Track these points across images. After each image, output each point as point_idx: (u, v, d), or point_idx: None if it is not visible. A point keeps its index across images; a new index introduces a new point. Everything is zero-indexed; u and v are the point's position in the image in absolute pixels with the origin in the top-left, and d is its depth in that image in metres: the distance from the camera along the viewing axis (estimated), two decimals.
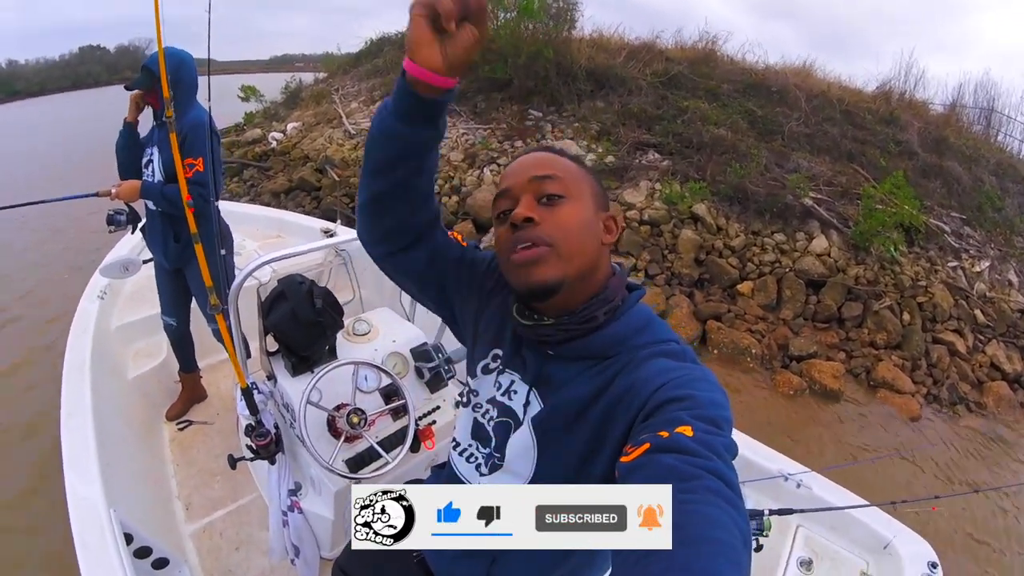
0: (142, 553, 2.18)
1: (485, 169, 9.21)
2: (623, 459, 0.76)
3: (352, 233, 2.96)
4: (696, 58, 11.81)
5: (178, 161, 2.28)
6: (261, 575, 2.58)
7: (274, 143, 11.83)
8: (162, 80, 2.29)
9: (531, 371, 1.07)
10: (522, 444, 1.06)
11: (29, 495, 3.63)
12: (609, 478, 0.84)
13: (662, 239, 7.73)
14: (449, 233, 1.25)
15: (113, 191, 2.84)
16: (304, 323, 2.14)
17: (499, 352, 1.15)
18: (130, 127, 2.91)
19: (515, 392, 1.10)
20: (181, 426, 3.40)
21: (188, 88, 2.75)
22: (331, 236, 3.93)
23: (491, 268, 1.22)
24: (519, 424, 1.08)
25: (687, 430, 0.74)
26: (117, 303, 3.73)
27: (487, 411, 1.16)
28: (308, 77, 16.72)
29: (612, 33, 12.83)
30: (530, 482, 1.06)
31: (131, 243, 3.93)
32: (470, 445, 1.21)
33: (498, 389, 1.13)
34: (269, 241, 4.41)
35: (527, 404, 1.07)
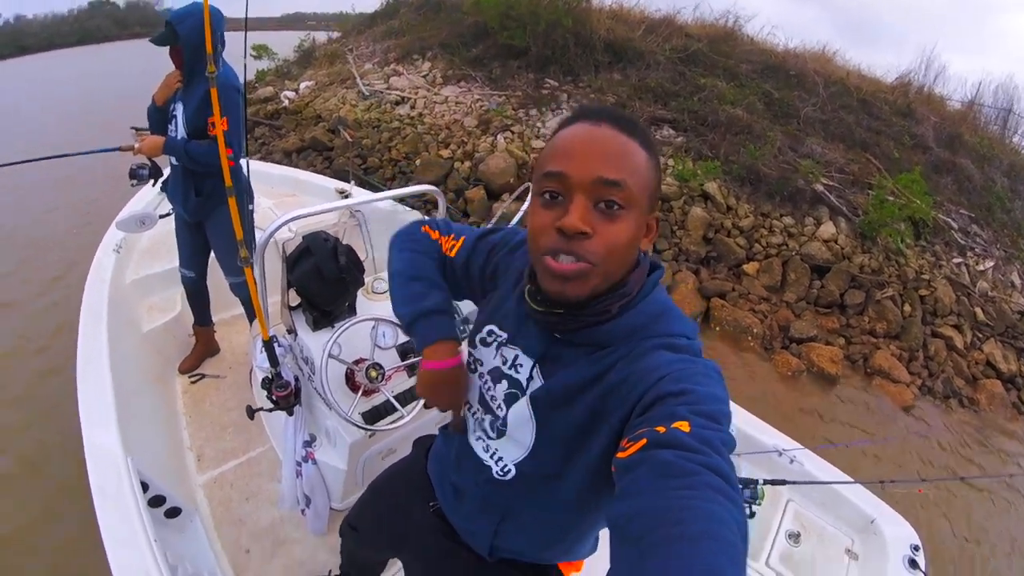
0: (156, 502, 2.26)
1: (499, 136, 9.16)
2: (620, 455, 0.77)
3: (366, 194, 2.97)
4: (716, 36, 11.74)
5: (217, 113, 2.28)
6: (271, 525, 2.64)
7: (286, 102, 11.73)
8: (207, 39, 2.31)
9: (536, 349, 1.07)
10: (521, 416, 1.08)
11: (40, 444, 3.73)
12: (607, 459, 0.85)
13: (672, 215, 7.75)
14: (442, 247, 1.31)
15: (136, 145, 2.84)
16: (328, 279, 2.19)
17: (501, 325, 1.16)
18: (156, 107, 2.92)
19: (520, 366, 1.10)
20: (194, 379, 3.46)
21: (213, 45, 2.68)
22: (346, 196, 3.94)
23: (493, 255, 1.26)
24: (521, 396, 1.08)
25: (684, 425, 0.74)
26: (132, 257, 3.76)
27: (487, 381, 1.18)
28: (321, 36, 16.48)
29: (633, 5, 12.73)
30: (530, 451, 1.08)
31: (147, 198, 3.96)
32: (478, 410, 1.22)
33: (504, 363, 1.13)
34: (285, 199, 4.43)
35: (530, 379, 1.08)
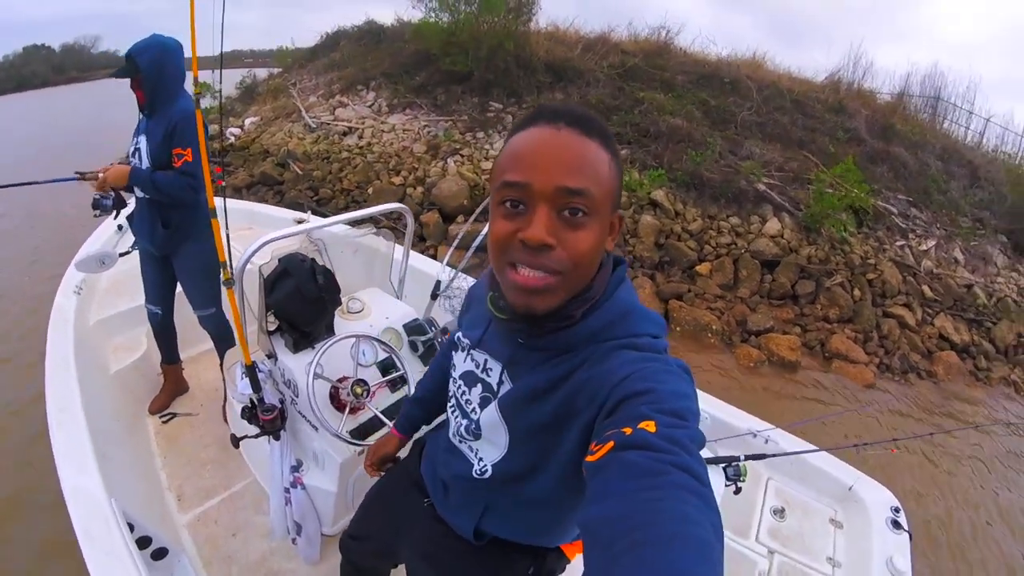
0: (142, 543, 2.19)
1: (449, 160, 9.26)
2: (588, 458, 0.75)
3: (333, 218, 2.95)
4: (651, 50, 12.09)
5: (202, 143, 2.26)
6: (261, 558, 2.57)
7: (231, 138, 11.66)
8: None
9: (504, 353, 1.09)
10: (492, 419, 1.09)
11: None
12: (579, 460, 0.82)
13: (623, 224, 7.79)
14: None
15: (100, 175, 2.79)
16: (309, 298, 2.19)
17: (463, 334, 1.21)
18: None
19: (491, 370, 1.13)
20: (165, 418, 3.37)
21: (174, 77, 2.72)
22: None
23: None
24: (492, 399, 1.11)
25: (650, 425, 0.74)
26: (94, 297, 3.68)
27: (460, 386, 1.21)
28: (261, 72, 16.49)
29: (568, 26, 13.05)
30: (506, 452, 1.10)
31: (104, 236, 3.87)
32: (457, 414, 1.24)
33: (477, 367, 1.16)
34: (241, 232, 4.37)
35: (500, 383, 1.10)
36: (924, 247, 8.41)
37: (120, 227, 3.89)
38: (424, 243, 7.63)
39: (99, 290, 3.78)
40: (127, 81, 2.73)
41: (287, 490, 2.27)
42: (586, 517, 0.68)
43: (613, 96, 10.36)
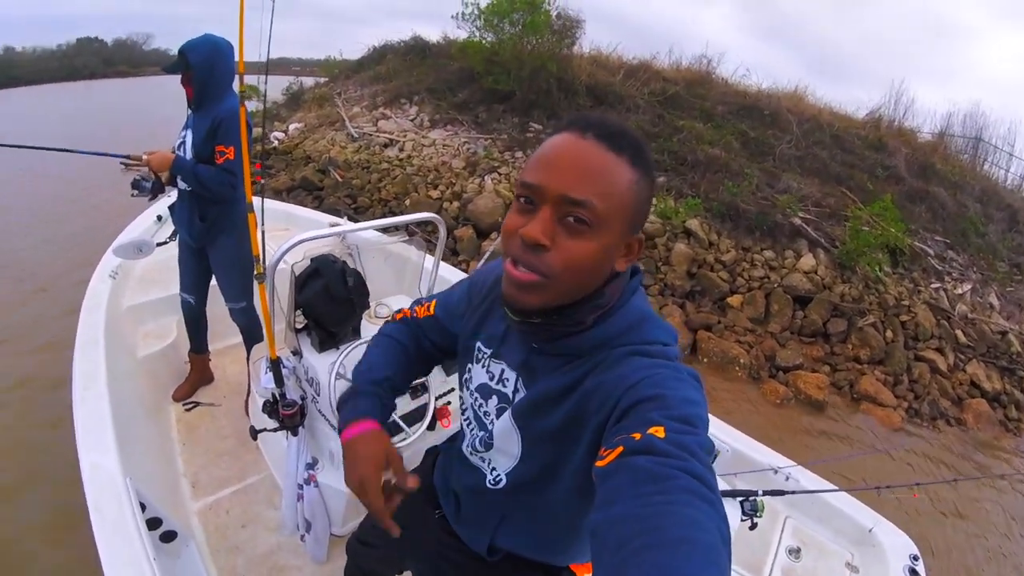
0: (152, 524, 2.22)
1: (486, 177, 9.35)
2: (598, 463, 0.76)
3: (367, 223, 2.95)
4: (692, 79, 12.10)
5: (244, 141, 2.33)
6: (269, 551, 2.59)
7: (275, 142, 11.88)
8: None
9: (517, 360, 1.09)
10: (505, 428, 1.09)
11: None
12: (591, 466, 0.82)
13: (656, 251, 7.90)
14: (417, 315, 1.38)
15: (144, 158, 2.86)
16: (337, 300, 2.23)
17: (487, 342, 1.18)
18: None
19: (507, 380, 1.12)
20: (188, 407, 3.43)
21: (222, 75, 2.78)
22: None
23: (472, 292, 1.28)
24: (507, 408, 1.10)
25: (659, 431, 0.74)
26: (128, 283, 3.76)
27: (477, 398, 1.20)
28: (308, 81, 16.79)
29: (611, 52, 13.12)
30: (519, 460, 1.10)
31: (144, 225, 3.96)
32: (473, 426, 1.24)
33: (491, 378, 1.15)
34: (277, 232, 4.44)
35: (515, 391, 1.09)
36: (960, 291, 8.24)
37: (159, 217, 3.98)
38: (457, 257, 7.70)
39: (134, 277, 3.86)
40: (178, 78, 2.81)
41: (300, 487, 2.30)
42: (595, 521, 0.69)
43: (653, 123, 10.37)
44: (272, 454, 2.93)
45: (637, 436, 0.74)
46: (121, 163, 3.05)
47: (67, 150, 3.18)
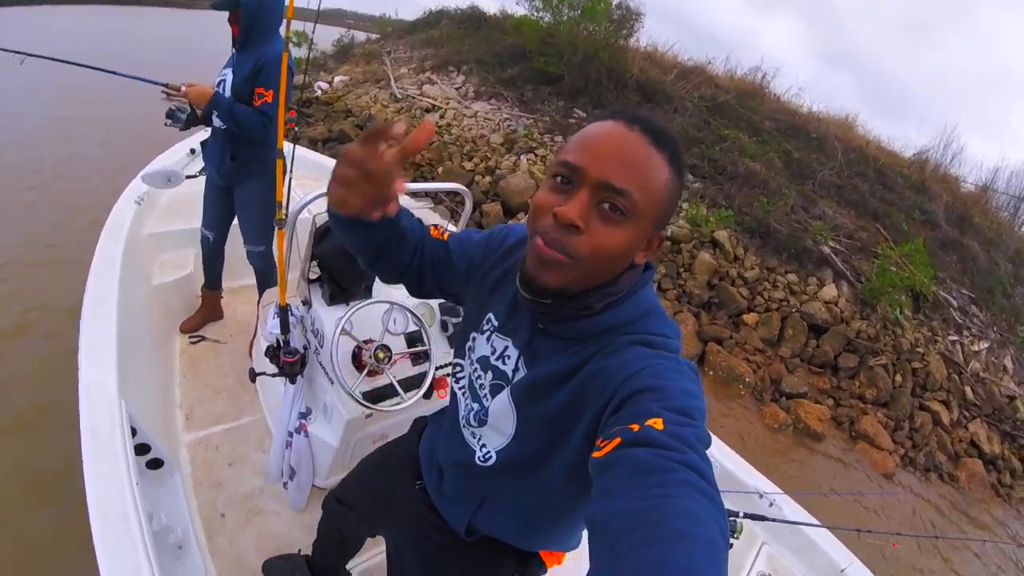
0: (141, 450, 2.26)
1: (523, 157, 9.30)
2: (595, 454, 0.75)
3: None
4: (744, 90, 11.97)
5: (283, 86, 2.32)
6: (250, 493, 2.62)
7: (319, 92, 11.92)
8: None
9: (522, 339, 1.09)
10: (503, 405, 1.09)
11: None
12: (584, 453, 0.83)
13: (680, 257, 7.87)
14: (431, 231, 1.27)
15: (184, 89, 2.85)
16: (350, 256, 2.20)
17: (496, 313, 1.17)
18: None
19: (508, 357, 1.12)
20: (194, 340, 3.46)
21: (270, 18, 2.76)
22: None
23: (488, 246, 1.26)
24: (504, 385, 1.11)
25: (658, 422, 0.73)
26: (152, 211, 3.79)
27: (476, 369, 1.19)
28: (359, 35, 16.80)
29: (667, 50, 13.00)
30: (511, 440, 1.10)
31: (176, 156, 3.99)
32: (468, 397, 1.22)
33: (492, 353, 1.15)
34: (307, 182, 4.46)
35: (516, 370, 1.09)
36: (976, 347, 8.10)
37: (192, 151, 4.01)
38: (482, 231, 7.63)
39: (159, 206, 3.89)
40: (225, 15, 2.80)
41: (291, 434, 2.33)
42: (592, 513, 0.68)
43: (698, 128, 10.28)
44: (269, 399, 2.95)
45: (635, 427, 0.74)
46: (162, 91, 3.02)
47: (107, 71, 3.16)
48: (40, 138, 8.40)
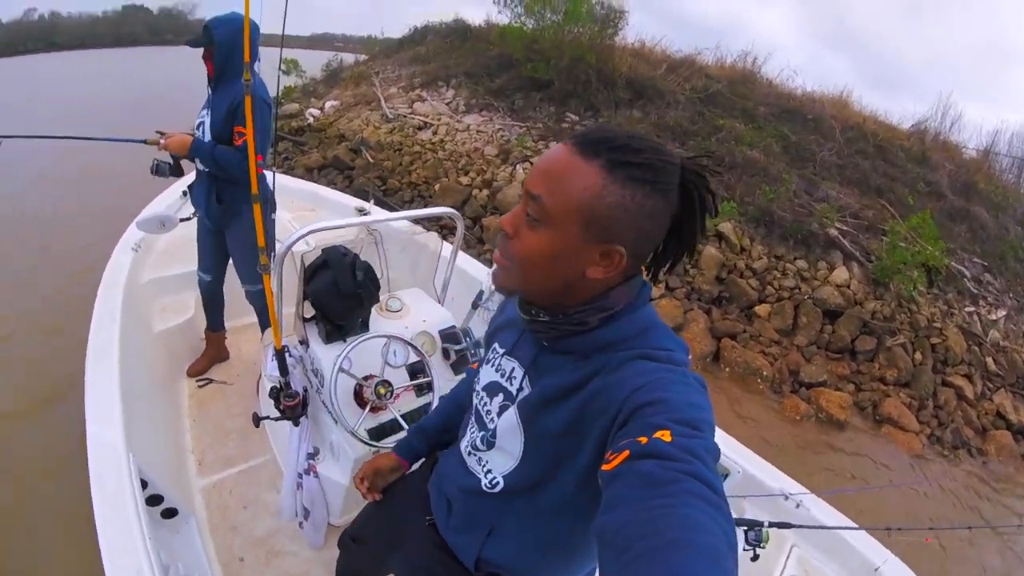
0: (153, 501, 2.25)
1: (518, 166, 9.26)
2: (604, 467, 0.76)
3: (385, 213, 3.00)
4: (736, 77, 11.92)
5: (249, 122, 2.29)
6: (267, 534, 2.63)
7: (311, 119, 11.95)
8: (246, 43, 2.47)
9: (527, 358, 1.11)
10: (509, 424, 1.10)
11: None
12: (592, 469, 0.87)
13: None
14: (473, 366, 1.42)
15: (162, 142, 2.88)
16: (344, 293, 2.22)
17: (501, 341, 1.21)
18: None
19: (515, 377, 1.13)
20: (201, 383, 3.47)
21: (240, 56, 2.68)
22: (364, 215, 3.96)
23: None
24: (511, 405, 1.11)
25: (666, 435, 0.74)
26: (149, 258, 3.79)
27: (483, 397, 1.21)
28: (348, 58, 16.89)
29: (654, 45, 12.96)
30: (519, 462, 1.11)
31: (168, 200, 3.97)
32: (473, 426, 1.26)
33: (501, 375, 1.17)
34: (304, 213, 4.48)
35: (521, 388, 1.11)
36: (994, 316, 7.99)
37: (184, 193, 4.03)
38: (483, 246, 7.66)
39: (156, 251, 3.90)
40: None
41: (300, 475, 2.31)
42: (600, 524, 0.69)
43: (692, 120, 10.22)
44: (277, 438, 2.94)
45: (643, 440, 0.75)
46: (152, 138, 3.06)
47: (83, 137, 3.23)
48: (33, 206, 8.43)
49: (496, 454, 1.16)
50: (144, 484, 2.10)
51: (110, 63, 31.39)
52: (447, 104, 11.44)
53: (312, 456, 2.30)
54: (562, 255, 0.93)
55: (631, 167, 0.88)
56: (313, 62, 16.35)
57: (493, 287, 1.11)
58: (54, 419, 3.78)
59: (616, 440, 0.81)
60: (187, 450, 3.03)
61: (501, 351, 1.20)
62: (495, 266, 1.02)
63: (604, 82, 10.73)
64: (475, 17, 14.96)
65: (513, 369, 1.14)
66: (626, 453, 0.74)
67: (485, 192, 8.80)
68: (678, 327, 6.65)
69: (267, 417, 2.23)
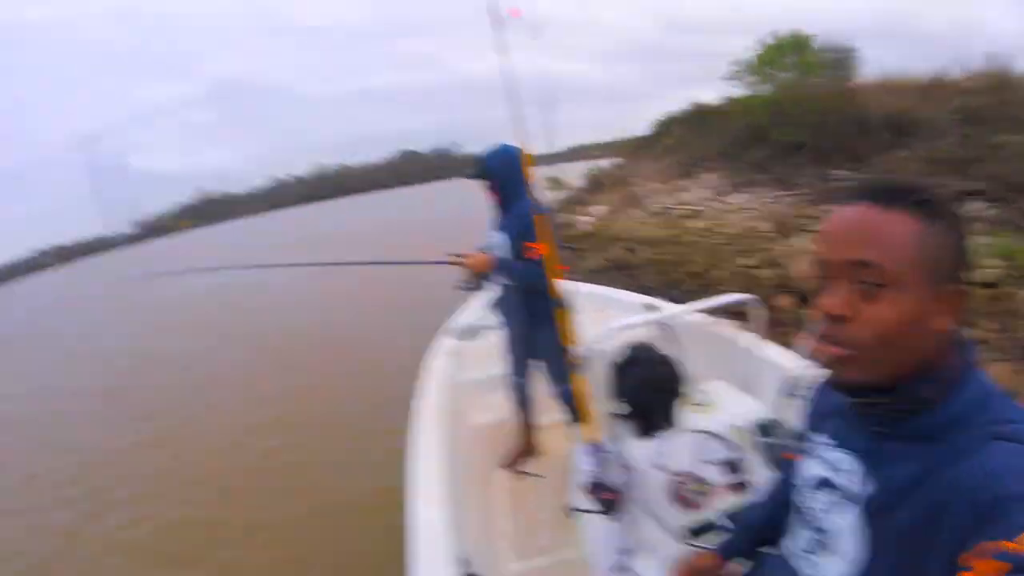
0: None
1: (797, 238, 8.69)
2: (966, 574, 0.68)
3: (675, 308, 3.06)
4: (992, 85, 9.95)
5: (541, 238, 2.67)
6: None
7: (586, 226, 12.71)
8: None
9: (858, 447, 0.99)
10: (844, 524, 0.98)
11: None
12: (947, 572, 0.74)
13: (1000, 302, 6.28)
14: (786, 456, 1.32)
15: (466, 261, 3.21)
16: (654, 389, 2.28)
17: (825, 432, 1.10)
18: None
19: (846, 471, 1.00)
20: (515, 475, 3.73)
21: (519, 177, 3.10)
22: (654, 310, 3.98)
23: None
24: (848, 503, 0.98)
25: None
26: (460, 363, 4.18)
27: (807, 495, 1.10)
28: (604, 163, 18.07)
29: (897, 73, 11.79)
30: (856, 565, 0.96)
31: (474, 311, 4.51)
32: (797, 528, 1.15)
33: (828, 469, 1.05)
34: (594, 314, 4.35)
35: (855, 484, 0.97)
36: None
37: (487, 306, 4.35)
38: (779, 329, 6.44)
39: (466, 356, 4.30)
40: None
41: (612, 571, 2.30)
42: None
43: (959, 145, 8.71)
44: (590, 532, 2.91)
45: (1012, 546, 0.65)
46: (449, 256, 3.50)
47: (393, 262, 3.73)
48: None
49: (828, 557, 1.03)
50: (462, 563, 2.12)
51: (394, 200, 35.26)
52: (709, 188, 11.52)
53: (624, 552, 2.29)
54: (911, 320, 0.84)
55: (934, 206, 0.86)
56: (573, 173, 17.76)
57: (830, 383, 0.97)
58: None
59: (974, 538, 0.71)
60: (500, 536, 3.22)
61: (825, 442, 1.08)
62: (826, 365, 0.93)
63: (858, 127, 9.98)
64: (709, 96, 15.16)
65: (843, 462, 1.02)
66: (996, 564, 0.66)
67: (769, 271, 8.31)
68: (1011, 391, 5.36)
69: (583, 509, 2.33)
